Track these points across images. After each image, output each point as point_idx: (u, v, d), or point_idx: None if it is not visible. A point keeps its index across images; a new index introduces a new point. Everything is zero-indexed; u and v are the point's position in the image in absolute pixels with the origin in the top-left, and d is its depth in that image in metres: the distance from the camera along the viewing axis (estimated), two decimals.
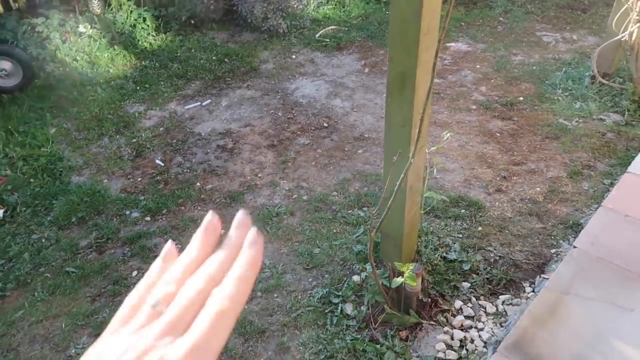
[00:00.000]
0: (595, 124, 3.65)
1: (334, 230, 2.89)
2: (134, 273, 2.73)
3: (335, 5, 5.96)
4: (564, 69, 4.37)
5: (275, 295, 2.49)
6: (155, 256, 0.46)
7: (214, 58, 4.98)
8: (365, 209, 3.00)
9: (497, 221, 2.86)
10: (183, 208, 3.16)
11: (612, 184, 3.01)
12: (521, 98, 4.06)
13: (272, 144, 3.73)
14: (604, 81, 3.90)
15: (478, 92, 4.21)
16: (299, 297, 2.46)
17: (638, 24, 3.52)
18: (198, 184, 3.36)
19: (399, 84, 1.84)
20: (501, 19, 5.51)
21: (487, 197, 3.06)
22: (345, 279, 2.53)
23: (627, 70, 3.85)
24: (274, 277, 2.58)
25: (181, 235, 2.92)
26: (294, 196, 3.18)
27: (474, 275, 2.52)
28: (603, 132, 3.55)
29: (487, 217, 2.89)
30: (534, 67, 4.49)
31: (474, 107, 4.01)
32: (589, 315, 2.18)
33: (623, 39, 3.62)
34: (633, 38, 3.59)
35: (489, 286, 2.47)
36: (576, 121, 3.69)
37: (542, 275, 2.47)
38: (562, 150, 3.41)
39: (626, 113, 3.70)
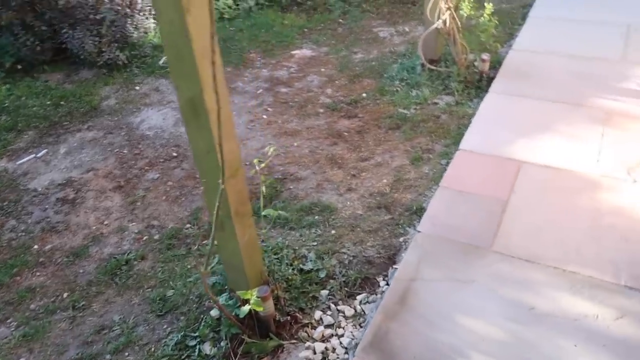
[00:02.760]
0: (431, 108, 3.87)
1: (189, 266, 2.74)
2: None
3: None
4: (399, 60, 4.60)
5: (127, 353, 2.29)
6: None
7: (48, 103, 4.57)
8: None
9: (349, 221, 2.90)
10: (19, 278, 2.82)
11: (448, 163, 3.19)
12: (364, 94, 4.20)
13: (119, 185, 3.48)
14: (432, 67, 4.16)
15: (324, 95, 4.29)
16: (153, 349, 2.29)
17: (448, 12, 3.79)
18: (36, 246, 3.03)
19: (191, 110, 1.75)
20: (340, 20, 5.70)
21: (339, 198, 3.10)
22: (202, 316, 2.40)
23: (450, 54, 4.14)
24: (124, 333, 2.38)
25: (16, 310, 2.60)
26: (145, 238, 2.99)
27: (331, 281, 2.51)
28: (438, 115, 3.78)
29: (339, 219, 2.92)
30: (374, 63, 4.68)
31: (321, 110, 4.07)
32: (434, 297, 2.26)
33: (439, 27, 3.88)
34: (447, 25, 3.86)
35: (346, 289, 2.48)
36: (414, 109, 3.89)
37: (394, 266, 2.54)
38: (404, 139, 3.56)
39: (456, 94, 3.97)
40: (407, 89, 4.15)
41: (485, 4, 3.93)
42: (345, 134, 3.74)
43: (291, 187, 3.26)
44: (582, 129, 3.26)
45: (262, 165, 2.23)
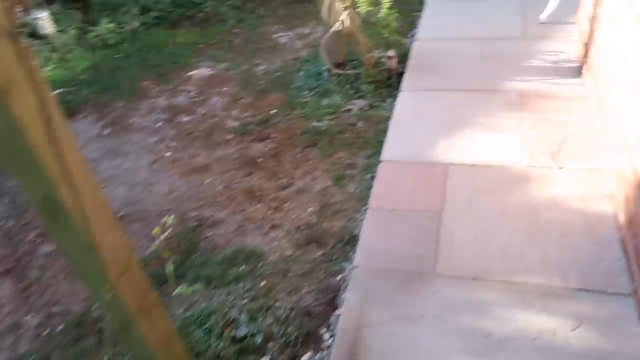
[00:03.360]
0: (345, 116, 3.64)
1: (106, 358, 2.34)
2: None
3: (56, 64, 5.16)
4: (304, 67, 4.34)
5: None
6: None
7: None
8: None
9: (280, 265, 2.61)
10: None
11: (373, 178, 2.98)
12: (274, 111, 3.90)
13: (7, 268, 2.97)
14: (338, 71, 3.93)
15: (231, 117, 3.94)
16: None
17: (345, 12, 3.56)
18: None
19: (48, 211, 1.38)
20: (236, 30, 5.33)
21: (264, 239, 2.80)
22: None
23: (355, 55, 3.93)
24: None
25: None
26: (46, 332, 2.54)
27: (270, 344, 2.22)
28: (353, 123, 3.56)
29: (268, 265, 2.62)
30: (278, 74, 4.39)
31: (230, 136, 3.72)
32: (385, 344, 2.04)
33: (339, 29, 3.65)
34: (347, 25, 3.64)
35: (289, 350, 2.20)
36: (328, 120, 3.65)
37: (335, 313, 2.28)
38: (323, 156, 3.31)
39: (368, 96, 3.78)
40: (317, 98, 3.90)
41: None
42: (260, 160, 3.43)
43: (209, 234, 2.91)
44: (501, 117, 3.16)
45: (162, 237, 1.88)
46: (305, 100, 3.92)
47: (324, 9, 3.59)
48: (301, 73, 4.26)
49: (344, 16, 3.57)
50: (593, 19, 3.17)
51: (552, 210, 2.46)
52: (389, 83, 3.84)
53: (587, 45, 3.30)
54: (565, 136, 2.89)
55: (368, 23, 4.00)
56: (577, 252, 2.26)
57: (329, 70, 3.96)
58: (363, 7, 3.68)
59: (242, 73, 4.52)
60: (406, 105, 3.46)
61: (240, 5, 5.77)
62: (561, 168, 2.69)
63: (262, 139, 3.63)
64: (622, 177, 2.31)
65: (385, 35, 3.84)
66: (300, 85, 4.09)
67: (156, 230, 1.93)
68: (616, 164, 2.43)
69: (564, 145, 2.83)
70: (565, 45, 3.75)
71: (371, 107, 3.69)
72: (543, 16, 4.05)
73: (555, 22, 4.03)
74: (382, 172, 2.91)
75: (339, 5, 3.52)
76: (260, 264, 2.63)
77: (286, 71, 4.39)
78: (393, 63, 3.76)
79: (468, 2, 4.66)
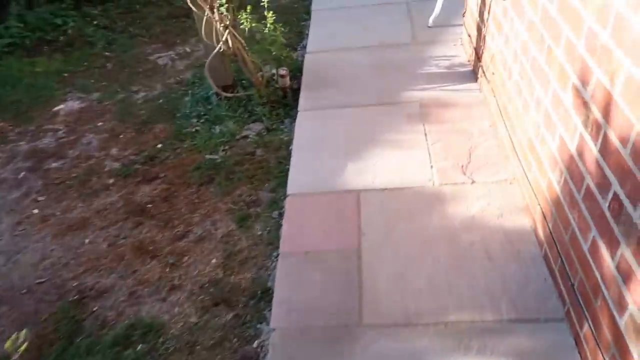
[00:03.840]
0: (242, 144, 3.31)
1: None
2: None
3: None
4: (190, 91, 3.93)
5: None
6: None
7: None
8: None
9: (185, 337, 2.22)
10: None
11: (281, 215, 2.69)
12: (160, 145, 3.45)
13: None
14: (228, 95, 3.58)
15: (110, 158, 3.43)
16: None
17: (227, 31, 3.21)
18: None
19: None
20: (107, 53, 4.75)
21: (163, 305, 2.39)
22: None
23: (245, 75, 3.60)
24: None
25: None
26: None
27: None
28: (252, 152, 3.23)
29: (171, 339, 2.22)
30: (161, 101, 3.93)
31: (111, 181, 3.22)
32: None
33: (221, 50, 3.29)
34: (231, 45, 3.30)
35: None
36: (223, 150, 3.28)
37: None
38: (221, 194, 2.95)
39: (264, 119, 3.47)
40: (208, 126, 3.51)
41: (266, 13, 3.45)
42: (150, 206, 2.98)
43: (95, 308, 2.44)
44: (406, 131, 3.02)
45: (16, 355, 1.44)
46: (195, 129, 3.51)
47: (202, 29, 3.21)
48: (187, 98, 3.84)
49: (226, 35, 3.22)
50: (480, 24, 3.13)
51: (472, 231, 2.33)
52: (285, 102, 3.56)
53: (477, 51, 3.27)
54: (472, 147, 2.80)
55: (254, 40, 3.69)
56: (504, 276, 2.13)
57: (217, 94, 3.59)
58: (246, 24, 3.37)
59: (118, 103, 3.99)
60: (306, 127, 3.20)
61: (108, 25, 5.17)
62: (473, 183, 2.58)
63: (150, 180, 3.18)
64: (537, 190, 2.23)
65: (274, 52, 3.54)
66: (188, 112, 3.67)
67: (8, 344, 1.47)
68: (528, 174, 2.35)
69: (472, 156, 2.74)
70: (456, 49, 3.72)
71: (269, 130, 3.38)
72: (430, 20, 4.00)
73: (443, 24, 4.00)
74: (290, 207, 2.63)
75: (219, 25, 3.16)
76: (160, 340, 2.23)
77: (170, 97, 3.94)
78: (286, 81, 3.49)
79: (354, 9, 4.51)
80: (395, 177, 2.69)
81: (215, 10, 3.12)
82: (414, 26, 4.11)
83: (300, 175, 2.82)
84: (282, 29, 3.51)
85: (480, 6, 3.10)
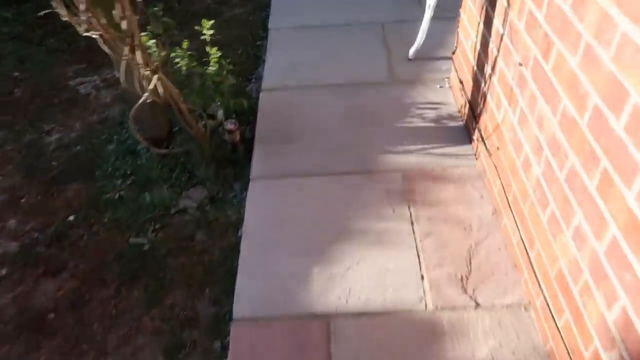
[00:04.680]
0: (178, 223, 2.59)
1: None
2: None
3: None
4: (115, 137, 3.14)
5: None
6: None
7: None
8: None
9: None
10: None
11: (224, 348, 2.01)
12: (72, 217, 2.69)
13: None
14: (160, 151, 2.84)
15: (6, 234, 2.65)
16: None
17: (154, 78, 2.45)
18: None
19: None
20: (17, 74, 3.86)
21: None
22: None
23: (183, 127, 2.86)
24: None
25: None
26: None
27: None
28: (191, 235, 2.53)
29: None
30: (79, 148, 3.13)
31: (4, 271, 2.46)
32: None
33: (149, 100, 2.54)
34: (161, 92, 2.54)
35: None
36: (153, 231, 2.55)
37: None
38: (148, 302, 2.25)
39: (207, 182, 2.76)
40: (135, 191, 2.77)
41: (208, 49, 2.70)
42: (52, 316, 2.25)
43: None
44: (387, 217, 2.38)
45: None
46: (119, 194, 2.77)
47: (122, 73, 2.44)
48: (111, 147, 3.07)
49: (154, 81, 2.47)
50: (478, 75, 2.50)
51: None
52: (235, 158, 2.86)
53: (472, 105, 2.65)
54: (472, 246, 2.20)
55: (193, 83, 2.94)
56: None
57: (148, 148, 2.84)
58: (183, 64, 2.62)
59: (25, 149, 3.17)
60: (260, 202, 2.51)
61: (22, 33, 4.26)
62: (477, 307, 1.98)
63: (56, 273, 2.44)
64: (566, 331, 1.65)
65: (218, 102, 2.81)
66: (110, 169, 2.91)
67: None
68: (544, 297, 1.78)
69: (473, 262, 2.14)
70: (443, 93, 3.09)
71: (213, 201, 2.68)
72: (411, 52, 3.35)
73: (425, 57, 3.36)
74: (236, 341, 1.96)
75: (143, 71, 2.40)
76: None
77: (89, 142, 3.15)
78: (235, 136, 2.77)
79: (319, 30, 3.80)
80: (377, 293, 2.05)
81: (138, 52, 2.36)
82: (390, 55, 3.45)
83: (250, 283, 2.14)
84: (230, 66, 2.78)
85: (480, 53, 2.47)
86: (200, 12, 4.32)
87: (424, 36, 3.25)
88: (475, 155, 2.63)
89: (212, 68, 2.73)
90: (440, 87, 3.12)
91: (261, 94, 3.22)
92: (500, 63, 2.19)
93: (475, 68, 2.56)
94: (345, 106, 3.05)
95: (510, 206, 2.14)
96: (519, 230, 2.05)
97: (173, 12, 4.32)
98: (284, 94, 3.20)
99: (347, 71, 3.33)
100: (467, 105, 2.72)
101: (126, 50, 2.35)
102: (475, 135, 2.60)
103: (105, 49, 2.35)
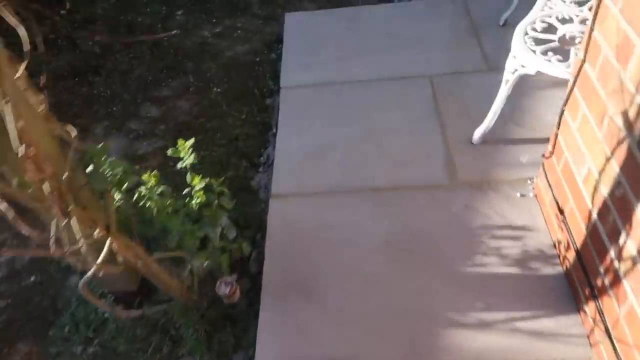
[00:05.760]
0: None
1: None
2: None
3: None
4: (75, 274, 2.35)
5: None
6: None
7: None
8: None
9: None
10: None
11: None
12: None
13: None
14: (130, 314, 2.04)
15: None
16: None
17: (108, 241, 1.62)
18: None
19: None
20: None
21: None
22: None
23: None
24: None
25: None
26: None
27: None
28: None
29: None
30: (28, 295, 2.35)
31: None
32: None
33: (100, 274, 1.71)
34: (120, 260, 1.72)
35: None
36: None
37: None
38: None
39: (197, 352, 1.97)
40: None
41: (188, 178, 1.85)
42: None
43: None
44: None
45: None
46: None
47: (64, 245, 1.62)
48: (68, 293, 2.28)
49: (107, 249, 1.64)
50: (597, 222, 1.59)
51: None
52: (232, 314, 2.05)
53: (580, 256, 1.75)
54: None
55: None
56: None
57: (116, 315, 2.05)
58: (153, 205, 1.79)
59: None
60: None
61: None
62: None
63: None
64: None
65: (206, 262, 1.96)
66: (68, 325, 2.13)
67: None
68: None
69: None
70: (527, 208, 2.17)
71: None
72: (477, 135, 2.42)
73: (493, 138, 2.44)
74: None
75: (85, 240, 1.57)
76: None
77: (42, 288, 2.36)
78: (234, 297, 1.95)
79: (347, 87, 2.88)
80: None
81: (71, 213, 1.53)
82: (446, 135, 2.51)
83: None
84: (226, 205, 1.92)
85: (597, 190, 1.55)
86: (194, 52, 3.43)
87: (496, 117, 2.31)
88: (588, 337, 1.75)
89: (196, 201, 1.89)
90: (522, 195, 2.20)
91: (270, 202, 2.36)
92: None
93: (590, 207, 1.64)
94: (386, 229, 2.17)
95: None
96: None
97: (161, 51, 3.44)
98: (300, 205, 2.32)
99: (388, 163, 2.43)
100: (571, 245, 1.82)
101: (55, 212, 1.52)
102: (588, 308, 1.72)
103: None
